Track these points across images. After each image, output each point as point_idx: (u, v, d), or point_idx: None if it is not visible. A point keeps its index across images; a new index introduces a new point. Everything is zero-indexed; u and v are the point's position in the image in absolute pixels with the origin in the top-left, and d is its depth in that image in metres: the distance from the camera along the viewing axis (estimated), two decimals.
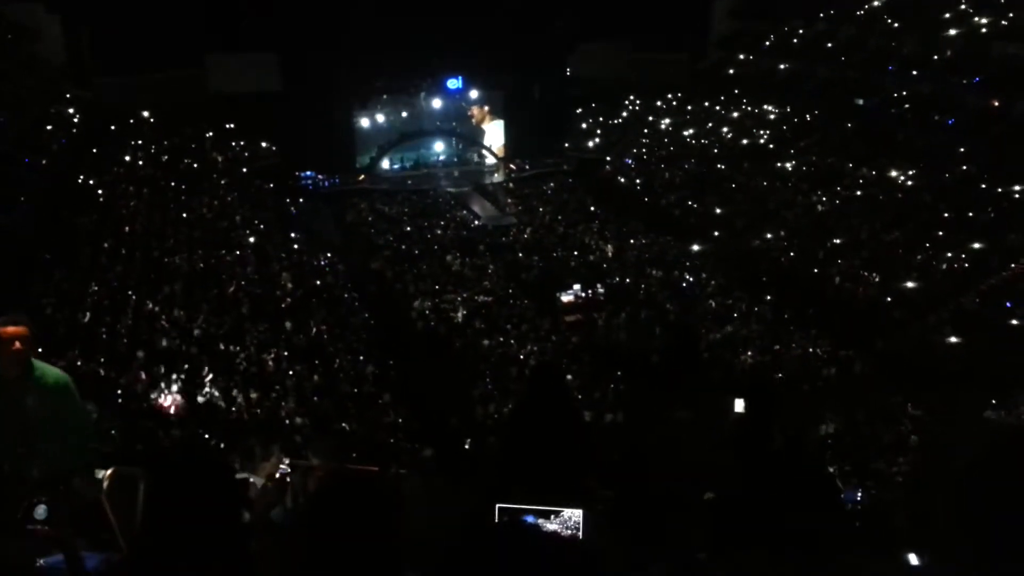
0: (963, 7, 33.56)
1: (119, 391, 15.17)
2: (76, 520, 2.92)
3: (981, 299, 22.07)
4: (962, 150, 29.02)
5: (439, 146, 41.93)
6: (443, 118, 41.32)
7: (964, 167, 28.44)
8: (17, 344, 3.95)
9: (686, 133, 41.08)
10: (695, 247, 29.29)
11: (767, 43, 43.92)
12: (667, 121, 43.53)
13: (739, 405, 4.72)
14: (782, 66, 42.07)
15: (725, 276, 26.34)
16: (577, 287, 24.37)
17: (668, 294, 24.82)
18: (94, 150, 32.37)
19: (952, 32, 33.24)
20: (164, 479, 2.40)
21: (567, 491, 3.60)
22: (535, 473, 4.03)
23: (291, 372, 17.60)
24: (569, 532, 3.14)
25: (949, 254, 24.20)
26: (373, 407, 16.90)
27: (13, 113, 28.41)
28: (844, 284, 24.68)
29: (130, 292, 20.90)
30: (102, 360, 16.52)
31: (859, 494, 11.74)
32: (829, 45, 39.65)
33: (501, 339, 21.14)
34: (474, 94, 41.09)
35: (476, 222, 33.46)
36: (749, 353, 20.58)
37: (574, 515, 3.16)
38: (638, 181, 37.72)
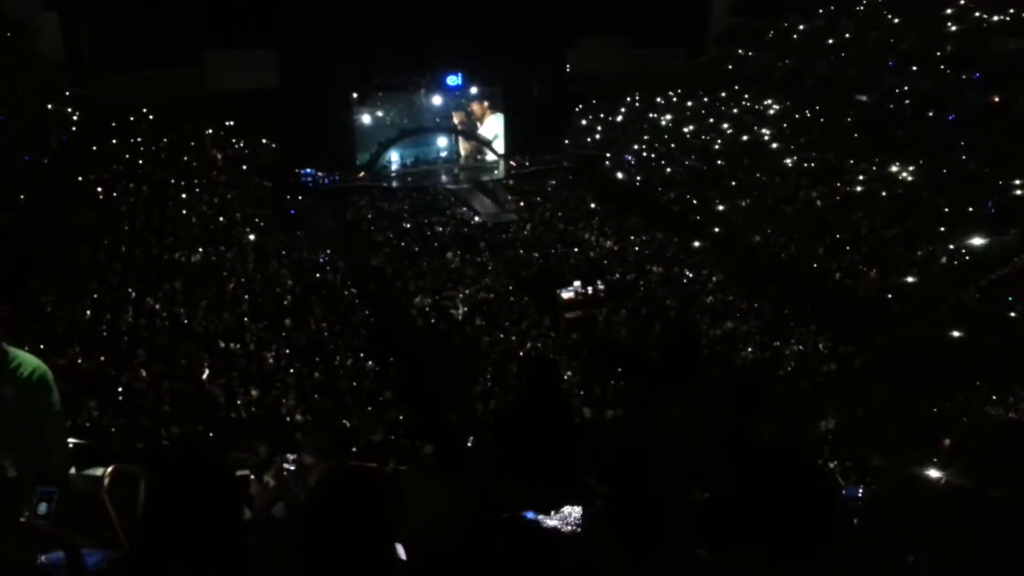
0: (963, 2, 33.55)
1: (119, 388, 15.19)
2: (77, 517, 2.92)
3: (981, 295, 22.08)
4: (962, 146, 29.02)
5: (442, 141, 41.91)
6: (443, 114, 41.30)
7: (964, 163, 28.44)
8: None
9: (686, 129, 41.07)
10: (695, 243, 29.28)
11: (766, 39, 43.91)
12: (667, 117, 43.51)
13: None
14: (781, 62, 42.06)
15: (725, 272, 26.33)
16: (577, 284, 24.37)
17: (668, 290, 24.82)
18: (93, 147, 32.36)
19: (952, 27, 33.23)
20: (165, 477, 2.41)
21: (566, 488, 3.60)
22: (533, 469, 4.03)
23: (291, 369, 17.62)
24: (568, 528, 3.14)
25: (949, 248, 24.20)
26: (373, 404, 16.91)
27: (12, 111, 28.39)
28: (844, 280, 24.69)
29: (130, 290, 20.91)
30: (102, 358, 16.54)
31: (860, 491, 11.74)
32: (829, 41, 39.63)
33: (501, 336, 21.13)
34: (474, 90, 41.06)
35: (476, 219, 33.44)
36: (749, 349, 20.59)
37: (573, 511, 3.17)
38: (638, 177, 37.71)
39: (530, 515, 3.11)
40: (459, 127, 41.94)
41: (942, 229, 25.16)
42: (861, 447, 14.95)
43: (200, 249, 24.91)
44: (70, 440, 4.16)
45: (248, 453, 9.74)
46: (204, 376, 16.53)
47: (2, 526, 2.72)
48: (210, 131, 38.43)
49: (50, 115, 32.17)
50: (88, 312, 19.03)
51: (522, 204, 35.27)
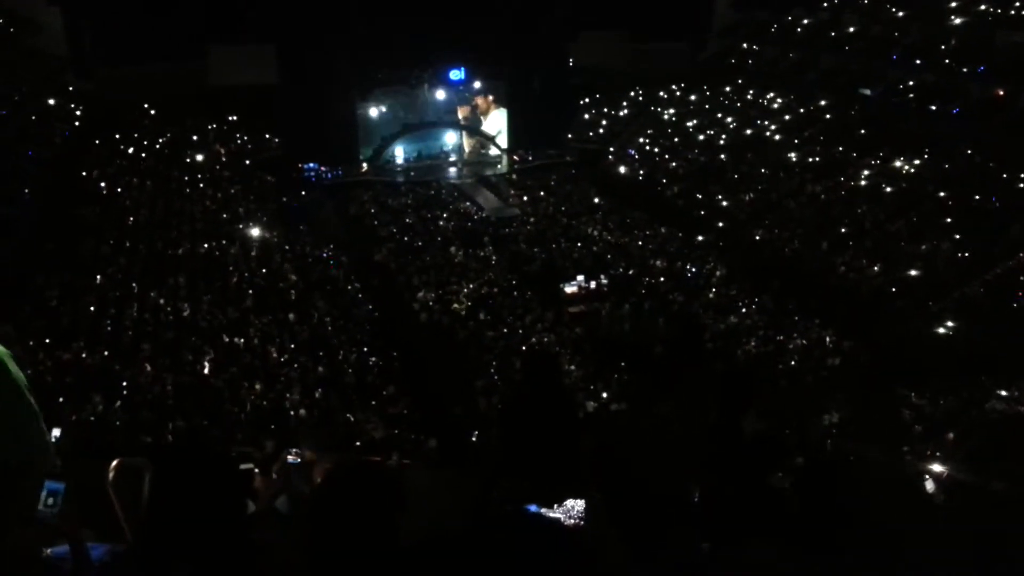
0: None
1: (124, 383, 15.25)
2: (82, 510, 2.93)
3: (985, 288, 22.04)
4: (966, 139, 28.94)
5: (451, 136, 41.86)
6: (448, 109, 41.23)
7: (968, 156, 28.37)
8: None
9: (689, 124, 40.99)
10: (698, 238, 29.24)
11: (770, 33, 43.81)
12: (670, 111, 43.44)
13: None
14: (785, 56, 41.97)
15: (728, 267, 26.29)
16: (580, 278, 24.36)
17: (671, 285, 24.80)
18: (96, 143, 32.41)
19: (956, 21, 33.11)
20: (169, 470, 2.42)
21: (569, 481, 3.61)
22: (535, 463, 4.04)
23: (295, 364, 17.65)
24: (572, 522, 3.15)
25: (953, 242, 24.16)
26: (377, 399, 16.95)
27: (15, 107, 28.44)
28: (848, 274, 24.66)
29: (134, 284, 20.96)
30: (107, 352, 16.59)
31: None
32: (832, 34, 39.52)
33: (505, 330, 21.14)
34: (477, 84, 40.97)
35: (479, 214, 33.43)
36: (752, 343, 20.58)
37: (576, 505, 3.17)
38: (641, 172, 37.66)
39: (532, 508, 3.12)
40: (463, 122, 41.87)
41: (946, 223, 25.11)
42: (863, 442, 14.96)
43: (204, 244, 24.96)
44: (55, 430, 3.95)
45: (254, 448, 9.77)
46: (208, 370, 16.58)
47: (7, 519, 2.74)
48: (213, 126, 38.46)
49: (53, 111, 32.22)
50: (92, 307, 19.09)
51: (525, 199, 35.24)
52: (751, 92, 41.54)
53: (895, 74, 34.37)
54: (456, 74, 39.67)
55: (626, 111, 45.51)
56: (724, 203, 31.83)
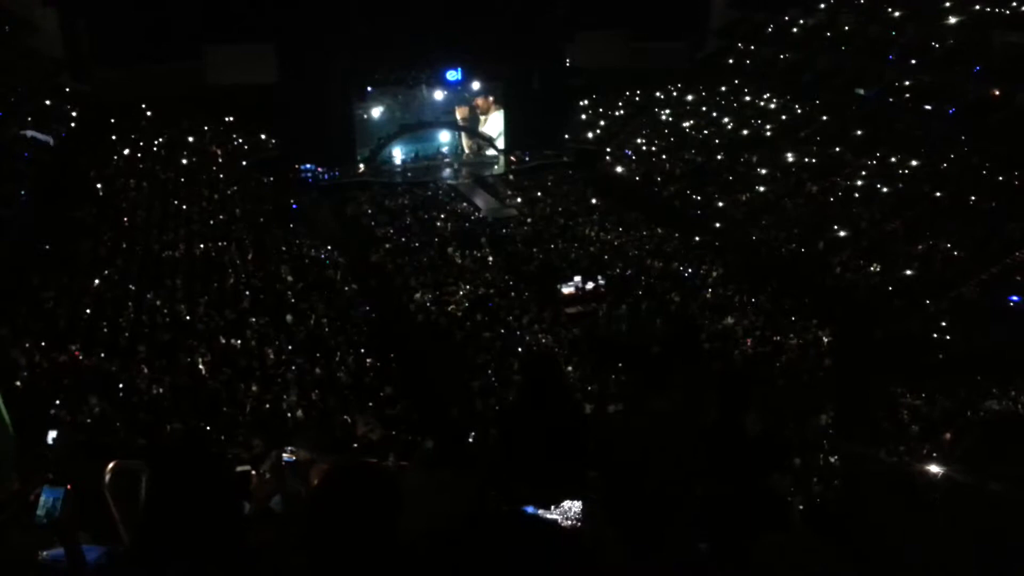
0: None
1: (121, 385, 15.22)
2: (78, 513, 2.92)
3: (982, 288, 22.09)
4: (962, 139, 28.99)
5: (444, 136, 41.81)
6: (445, 110, 41.18)
7: (964, 156, 28.42)
8: None
9: (686, 124, 41.04)
10: (695, 238, 29.27)
11: (767, 33, 43.86)
12: (667, 112, 43.47)
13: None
14: (782, 56, 42.02)
15: (725, 267, 26.31)
16: (578, 279, 24.35)
17: (668, 285, 24.81)
18: (93, 144, 32.37)
19: (952, 21, 33.18)
20: (165, 472, 2.41)
21: (567, 482, 3.61)
22: (534, 464, 4.04)
23: (292, 365, 17.63)
24: (569, 523, 3.15)
25: (949, 243, 24.20)
26: (374, 400, 16.93)
27: (12, 108, 28.40)
28: (844, 274, 24.69)
29: (131, 286, 20.93)
30: (103, 354, 16.56)
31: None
32: (829, 34, 39.58)
33: (502, 331, 21.13)
34: (476, 85, 40.91)
35: (476, 214, 33.42)
36: (749, 343, 20.59)
37: (574, 506, 3.17)
38: (638, 172, 37.68)
39: (530, 510, 3.12)
40: (461, 123, 41.83)
41: (942, 222, 25.16)
42: (860, 442, 14.99)
43: (200, 245, 24.92)
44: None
45: (241, 449, 9.75)
46: (205, 372, 16.55)
47: (4, 522, 2.73)
48: (209, 127, 38.43)
49: (50, 111, 32.17)
50: (89, 308, 19.05)
51: (522, 199, 35.24)
52: (747, 92, 41.59)
53: (892, 74, 34.44)
54: (453, 75, 39.61)
55: (623, 111, 45.53)
56: (721, 203, 31.87)
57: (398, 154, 40.56)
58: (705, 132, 39.22)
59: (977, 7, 32.47)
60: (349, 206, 34.14)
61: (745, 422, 4.11)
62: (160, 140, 35.62)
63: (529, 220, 32.13)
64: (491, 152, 41.91)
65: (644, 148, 39.95)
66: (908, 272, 23.62)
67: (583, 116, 45.05)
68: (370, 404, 16.61)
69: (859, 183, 29.88)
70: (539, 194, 35.91)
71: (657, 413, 4.03)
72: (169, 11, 39.88)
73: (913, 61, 33.60)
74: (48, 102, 32.94)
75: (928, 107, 31.59)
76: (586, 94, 46.17)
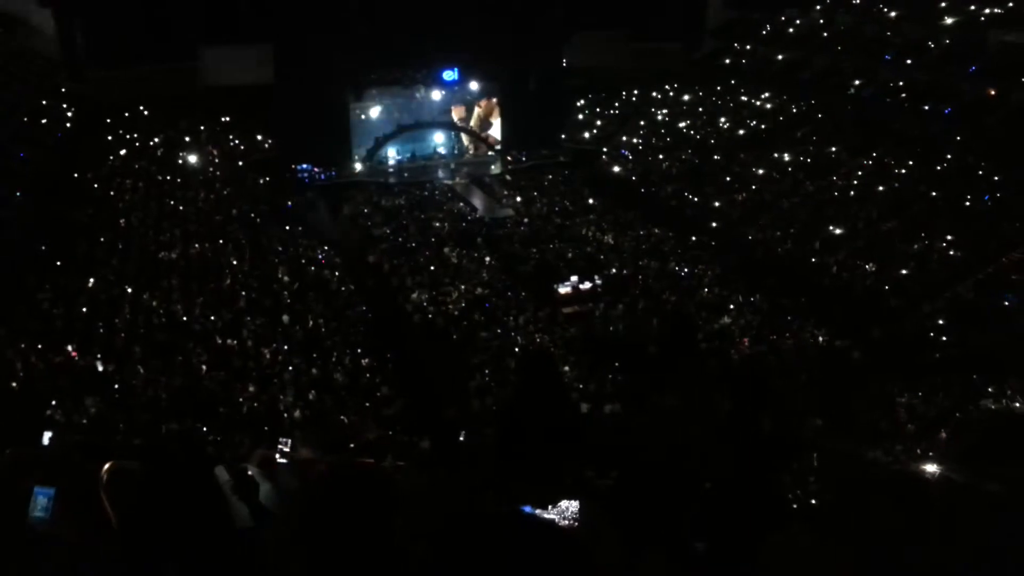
0: None
1: (117, 385, 15.20)
2: (75, 514, 2.91)
3: (977, 287, 22.13)
4: (959, 139, 29.04)
5: (439, 137, 41.76)
6: (442, 110, 41.13)
7: (960, 156, 28.47)
8: None
9: (682, 124, 41.05)
10: (692, 238, 29.28)
11: (763, 33, 43.90)
12: (664, 111, 43.47)
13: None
14: (778, 55, 42.06)
15: (722, 266, 26.33)
16: (574, 278, 24.38)
17: (665, 285, 24.82)
18: (89, 144, 32.28)
19: (949, 20, 33.25)
20: (161, 473, 2.41)
21: (564, 481, 3.61)
22: (531, 463, 4.03)
23: (289, 366, 17.61)
24: (566, 522, 3.15)
25: (946, 242, 24.24)
26: (371, 400, 16.92)
27: (7, 108, 28.32)
28: (841, 273, 24.72)
29: (127, 286, 20.89)
30: (99, 354, 16.53)
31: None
32: (825, 34, 39.63)
33: (499, 331, 21.13)
34: (474, 86, 40.86)
35: (473, 214, 33.41)
36: (745, 342, 20.61)
37: (571, 506, 3.17)
38: (634, 172, 37.69)
39: (527, 510, 3.12)
40: (459, 123, 41.78)
41: (938, 222, 25.20)
42: (857, 441, 15.00)
43: (197, 245, 24.88)
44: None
45: (227, 449, 9.73)
46: (201, 373, 16.53)
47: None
48: (205, 127, 38.34)
49: (45, 112, 32.08)
50: (85, 309, 19.00)
51: (519, 199, 35.23)
52: (744, 92, 41.62)
53: (888, 74, 34.48)
54: (449, 74, 39.58)
55: (620, 111, 45.52)
56: (717, 203, 31.88)
57: (394, 154, 40.52)
58: (702, 132, 39.24)
59: (973, 7, 32.55)
60: (346, 206, 34.11)
61: (762, 420, 4.10)
62: (156, 140, 35.54)
63: (526, 220, 32.13)
64: (488, 152, 41.88)
65: (641, 148, 39.95)
66: (904, 271, 23.65)
67: (580, 116, 45.03)
68: (367, 404, 16.61)
69: (855, 182, 29.92)
70: (536, 194, 35.90)
71: (668, 411, 4.03)
72: (166, 11, 39.76)
73: (909, 61, 33.66)
74: (44, 102, 32.85)
75: (924, 107, 31.65)
76: (583, 94, 46.14)
